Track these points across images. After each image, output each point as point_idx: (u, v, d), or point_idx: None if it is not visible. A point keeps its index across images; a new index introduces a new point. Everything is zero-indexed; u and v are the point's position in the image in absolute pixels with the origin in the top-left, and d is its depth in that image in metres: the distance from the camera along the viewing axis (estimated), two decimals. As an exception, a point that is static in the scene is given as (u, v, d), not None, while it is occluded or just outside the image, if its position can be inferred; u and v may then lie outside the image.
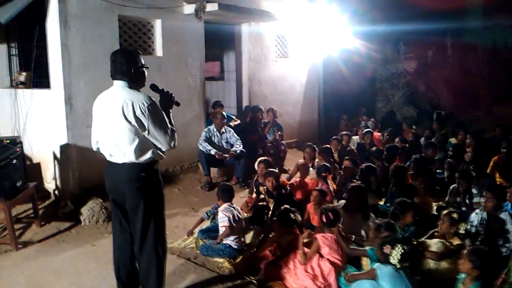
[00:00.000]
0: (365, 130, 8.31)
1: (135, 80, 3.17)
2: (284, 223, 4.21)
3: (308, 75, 9.94)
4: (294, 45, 9.50)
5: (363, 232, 4.32)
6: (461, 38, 17.15)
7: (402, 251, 3.20)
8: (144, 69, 3.24)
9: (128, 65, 3.12)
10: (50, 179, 5.94)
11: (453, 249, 3.81)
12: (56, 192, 5.89)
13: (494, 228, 4.09)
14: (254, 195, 5.73)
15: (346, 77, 11.03)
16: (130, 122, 3.01)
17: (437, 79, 14.08)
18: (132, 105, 3.00)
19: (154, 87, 3.35)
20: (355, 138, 8.39)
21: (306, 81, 9.92)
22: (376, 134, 8.78)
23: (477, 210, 4.40)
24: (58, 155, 5.81)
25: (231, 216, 4.49)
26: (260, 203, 5.42)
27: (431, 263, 3.79)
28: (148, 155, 3.14)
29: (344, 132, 8.08)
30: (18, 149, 5.00)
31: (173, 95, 3.34)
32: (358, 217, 4.52)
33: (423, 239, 4.13)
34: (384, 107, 12.96)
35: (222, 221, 4.48)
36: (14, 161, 4.81)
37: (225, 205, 4.62)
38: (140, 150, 3.10)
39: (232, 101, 9.33)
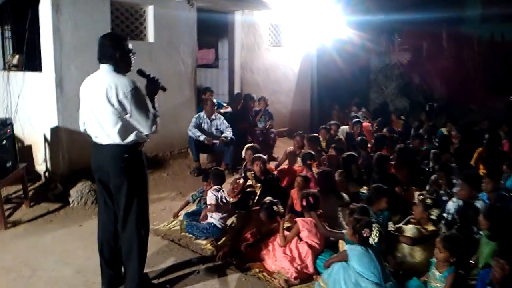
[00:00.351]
0: (354, 120, 8.42)
1: (121, 65, 3.24)
2: (267, 215, 4.32)
3: (301, 64, 10.00)
4: (287, 34, 9.55)
5: (340, 216, 4.45)
6: (458, 30, 17.19)
7: (379, 232, 3.33)
8: (131, 54, 3.31)
9: (114, 49, 3.20)
10: (41, 161, 6.05)
11: (427, 235, 3.96)
12: (47, 174, 6.00)
13: (469, 216, 4.21)
14: (241, 181, 5.84)
15: (340, 67, 11.08)
16: (113, 105, 3.11)
17: (431, 71, 14.13)
18: (116, 89, 3.09)
19: (140, 72, 3.42)
20: (345, 127, 8.50)
21: (299, 70, 9.99)
22: (366, 124, 8.88)
23: (454, 199, 4.52)
24: (49, 138, 5.91)
25: (219, 197, 4.65)
26: (248, 189, 5.55)
27: (405, 248, 3.94)
28: (132, 137, 3.24)
29: (332, 122, 8.20)
30: (8, 131, 5.09)
31: (159, 80, 3.43)
32: (331, 200, 4.69)
33: (399, 225, 4.27)
34: (377, 98, 13.03)
35: (210, 199, 4.62)
36: (4, 141, 4.91)
37: (214, 187, 4.76)
38: (123, 132, 3.20)
39: (225, 88, 9.40)
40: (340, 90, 11.79)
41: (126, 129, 3.21)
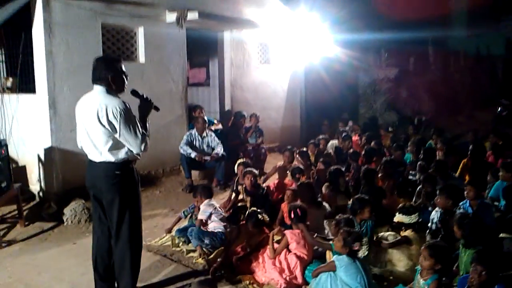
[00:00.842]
0: (344, 135, 8.61)
1: (114, 86, 3.39)
2: (253, 224, 4.46)
3: (290, 81, 10.23)
4: (276, 52, 9.80)
5: (326, 227, 4.60)
6: (444, 46, 17.59)
7: (367, 245, 3.47)
8: (124, 75, 3.47)
9: (106, 71, 3.36)
10: (35, 181, 6.15)
11: (401, 240, 4.32)
12: (41, 193, 6.10)
13: (451, 224, 4.36)
14: (233, 196, 5.97)
15: (328, 84, 11.34)
16: (104, 126, 3.26)
17: (418, 86, 14.44)
18: (106, 109, 3.25)
19: (134, 93, 3.56)
20: (334, 142, 8.68)
21: (288, 87, 10.21)
22: (355, 138, 9.08)
23: (437, 208, 4.68)
24: (43, 158, 6.03)
25: (212, 211, 4.79)
26: (239, 204, 5.68)
27: (385, 256, 4.18)
28: (122, 155, 3.38)
29: (321, 136, 8.40)
30: (3, 151, 5.21)
31: (152, 101, 3.57)
32: (312, 211, 4.79)
33: (381, 234, 4.48)
34: (366, 112, 13.29)
35: (202, 215, 4.76)
36: (-1, 162, 5.02)
37: (206, 201, 4.89)
38: (114, 150, 3.34)
39: (216, 106, 9.57)
40: (329, 106, 12.02)
41: (116, 147, 3.35)
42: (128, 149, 3.39)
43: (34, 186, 6.19)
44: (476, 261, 3.29)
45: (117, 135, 3.30)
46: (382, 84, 13.41)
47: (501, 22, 21.52)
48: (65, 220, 5.54)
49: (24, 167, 6.31)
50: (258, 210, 4.58)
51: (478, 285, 3.15)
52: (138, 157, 3.52)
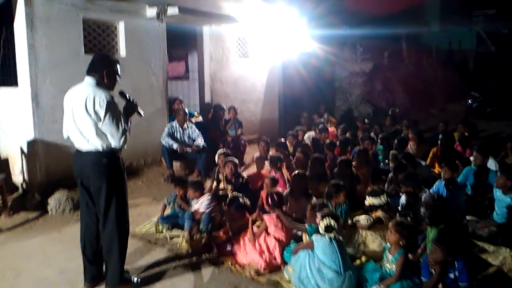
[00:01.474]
0: (320, 127, 8.90)
1: (105, 81, 3.58)
2: (235, 208, 4.69)
3: (269, 75, 10.48)
4: (254, 46, 10.02)
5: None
6: (417, 41, 18.10)
7: (327, 223, 3.73)
8: (117, 76, 3.67)
9: (103, 65, 3.59)
10: (18, 173, 6.23)
11: (375, 220, 4.67)
12: (24, 185, 6.18)
13: (416, 207, 4.74)
14: (214, 184, 6.18)
15: (305, 78, 11.67)
16: (90, 115, 3.44)
17: (392, 79, 14.89)
18: (93, 100, 3.43)
19: (122, 94, 3.75)
20: (311, 133, 8.97)
21: (267, 81, 10.46)
22: (331, 129, 9.40)
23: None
24: (26, 150, 6.11)
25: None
26: (220, 192, 5.89)
27: (358, 237, 4.49)
28: (108, 144, 3.54)
29: (298, 128, 8.68)
30: (-13, 144, 5.30)
31: (137, 105, 3.76)
32: (303, 201, 5.06)
33: (356, 217, 4.79)
34: (342, 105, 13.67)
35: (204, 208, 4.94)
36: (-17, 154, 5.12)
37: (206, 197, 5.07)
38: (100, 139, 3.51)
39: (196, 99, 9.74)
40: (307, 99, 12.33)
41: (103, 137, 3.52)
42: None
43: (17, 177, 6.27)
44: (436, 239, 3.61)
45: (99, 124, 3.47)
46: (357, 78, 13.80)
47: (472, 17, 22.23)
48: (49, 210, 5.67)
49: (6, 160, 6.39)
50: (239, 195, 4.80)
51: (438, 262, 3.47)
52: (123, 146, 3.67)
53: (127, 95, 3.74)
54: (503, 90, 15.33)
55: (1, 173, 5.71)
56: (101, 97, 3.44)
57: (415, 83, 15.77)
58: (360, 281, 3.74)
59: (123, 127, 3.54)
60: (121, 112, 3.59)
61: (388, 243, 3.93)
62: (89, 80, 3.55)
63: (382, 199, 4.75)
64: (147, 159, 7.57)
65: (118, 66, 3.69)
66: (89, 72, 3.58)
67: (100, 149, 3.52)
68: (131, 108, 3.72)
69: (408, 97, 14.96)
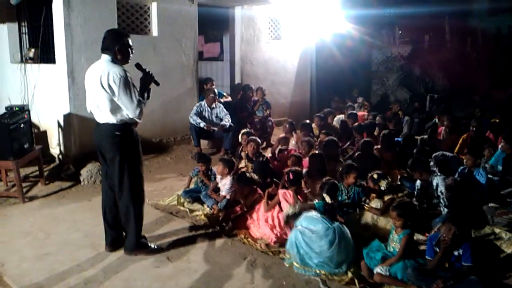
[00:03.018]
0: (349, 112, 8.87)
1: (119, 56, 3.78)
2: (243, 183, 4.88)
3: (301, 57, 10.46)
4: (286, 28, 10.01)
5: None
6: (461, 23, 17.31)
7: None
8: (129, 49, 3.84)
9: (114, 42, 3.75)
10: (55, 145, 6.66)
11: (387, 203, 4.63)
12: (60, 156, 6.61)
13: (430, 192, 4.76)
14: (236, 162, 6.35)
15: (339, 61, 11.50)
16: (105, 89, 3.65)
17: (432, 63, 14.42)
18: (108, 75, 3.64)
19: (138, 66, 3.94)
20: (341, 116, 8.94)
21: (298, 63, 10.45)
22: (361, 113, 9.32)
23: (419, 179, 5.08)
24: (62, 124, 6.51)
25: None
26: (242, 170, 6.06)
27: (369, 218, 4.54)
28: (121, 117, 3.75)
29: (327, 110, 8.68)
30: (26, 116, 5.69)
31: (153, 75, 3.93)
32: (319, 182, 5.13)
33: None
34: (378, 89, 13.45)
35: (226, 191, 5.11)
36: (22, 125, 5.51)
37: (230, 179, 5.17)
38: (114, 113, 3.73)
39: (228, 80, 9.91)
40: (340, 83, 12.20)
41: (116, 110, 3.73)
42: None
43: (54, 149, 6.69)
44: (447, 219, 3.63)
45: (115, 98, 3.67)
46: (395, 62, 13.49)
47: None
48: (81, 180, 6.04)
49: (45, 132, 6.83)
50: (245, 171, 5.04)
51: (447, 242, 3.48)
52: (138, 120, 3.85)
53: (144, 67, 3.92)
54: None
55: (39, 145, 6.11)
56: (115, 73, 3.64)
57: (457, 68, 15.20)
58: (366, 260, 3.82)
59: (137, 98, 3.73)
60: (134, 85, 3.77)
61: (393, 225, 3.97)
62: (105, 57, 3.76)
63: (383, 184, 4.74)
64: (177, 137, 7.83)
65: (128, 39, 3.82)
66: (103, 50, 3.78)
67: (114, 121, 3.74)
68: (148, 79, 3.90)
69: (448, 82, 14.48)
